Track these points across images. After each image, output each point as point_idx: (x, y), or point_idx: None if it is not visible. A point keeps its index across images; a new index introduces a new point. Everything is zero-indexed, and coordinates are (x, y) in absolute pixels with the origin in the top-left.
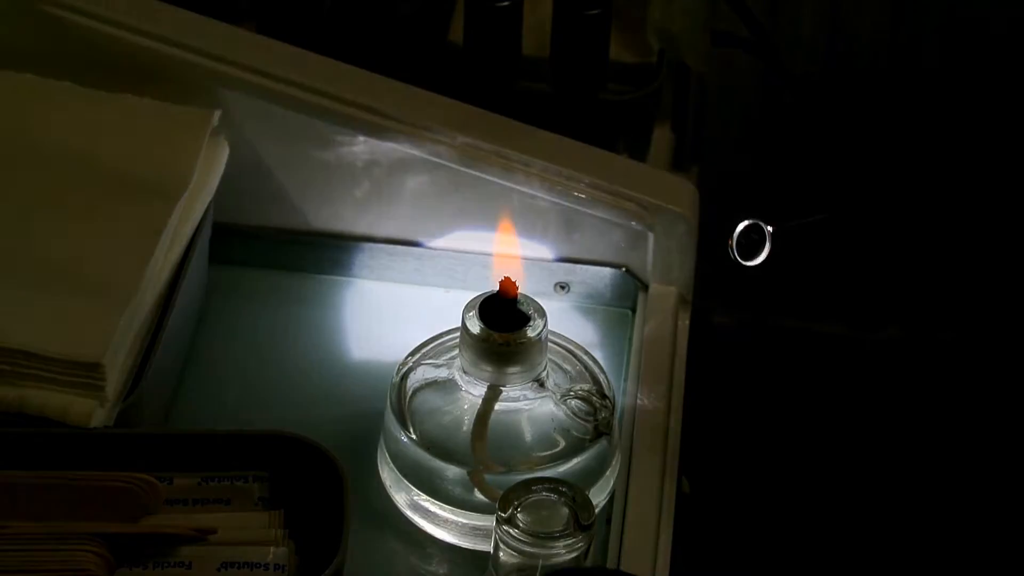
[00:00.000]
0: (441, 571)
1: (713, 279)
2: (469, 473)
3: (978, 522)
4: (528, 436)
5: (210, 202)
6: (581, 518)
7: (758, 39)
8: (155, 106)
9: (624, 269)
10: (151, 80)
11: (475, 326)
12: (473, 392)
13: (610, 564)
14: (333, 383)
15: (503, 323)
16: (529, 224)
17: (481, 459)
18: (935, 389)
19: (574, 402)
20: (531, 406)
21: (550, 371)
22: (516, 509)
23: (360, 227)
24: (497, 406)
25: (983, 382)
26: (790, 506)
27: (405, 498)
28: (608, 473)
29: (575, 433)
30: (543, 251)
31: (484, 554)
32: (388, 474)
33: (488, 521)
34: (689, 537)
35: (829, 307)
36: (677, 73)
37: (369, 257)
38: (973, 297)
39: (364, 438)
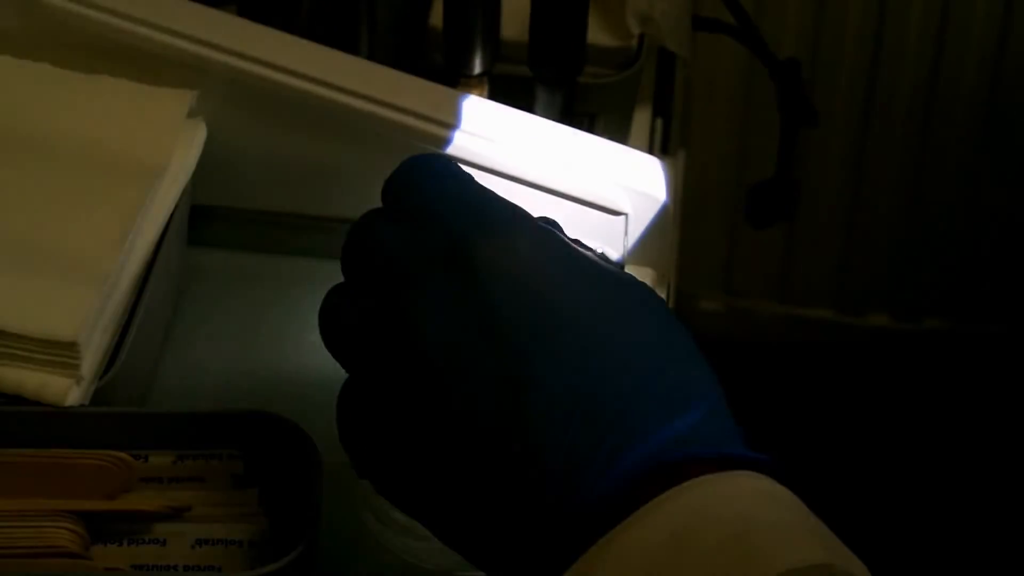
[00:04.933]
0: (415, 547)
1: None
2: None
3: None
4: None
5: (187, 183)
6: None
7: (742, 24)
8: (131, 87)
9: (600, 250)
10: (128, 62)
11: None
12: None
13: None
14: (311, 364)
15: None
16: None
17: None
18: (972, 382)
19: None
20: None
21: None
22: None
23: (339, 209)
24: None
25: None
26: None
27: None
28: None
29: None
30: None
31: None
32: None
33: None
34: None
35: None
36: (663, 57)
37: None
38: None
39: None
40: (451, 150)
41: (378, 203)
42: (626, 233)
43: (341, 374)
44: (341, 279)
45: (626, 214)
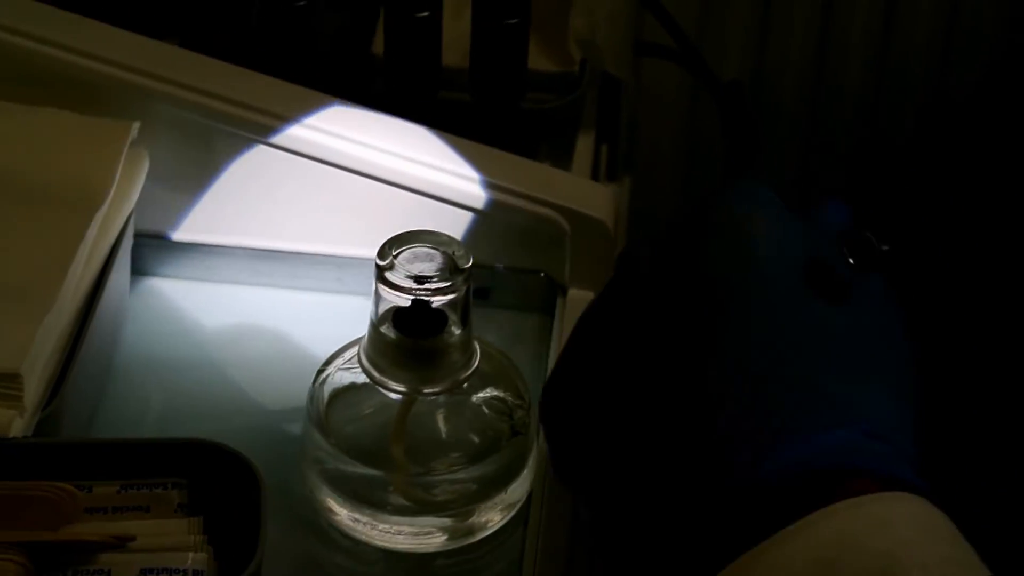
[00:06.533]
0: (362, 572)
1: None
2: (388, 477)
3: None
4: (445, 436)
5: (131, 213)
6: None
7: (683, 48)
8: (74, 119)
9: (543, 274)
10: (70, 93)
11: (390, 332)
12: (390, 395)
13: (527, 565)
14: (256, 392)
15: (419, 328)
16: (448, 231)
17: (400, 463)
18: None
19: (490, 401)
20: (447, 406)
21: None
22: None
23: (281, 238)
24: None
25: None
26: None
27: (326, 503)
28: (526, 473)
29: (490, 433)
30: None
31: (405, 555)
32: (309, 480)
33: (408, 523)
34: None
35: None
36: (607, 83)
37: (290, 267)
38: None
39: (286, 446)
40: (400, 179)
41: (320, 231)
42: (568, 257)
43: (284, 404)
44: (283, 308)
45: (568, 238)
